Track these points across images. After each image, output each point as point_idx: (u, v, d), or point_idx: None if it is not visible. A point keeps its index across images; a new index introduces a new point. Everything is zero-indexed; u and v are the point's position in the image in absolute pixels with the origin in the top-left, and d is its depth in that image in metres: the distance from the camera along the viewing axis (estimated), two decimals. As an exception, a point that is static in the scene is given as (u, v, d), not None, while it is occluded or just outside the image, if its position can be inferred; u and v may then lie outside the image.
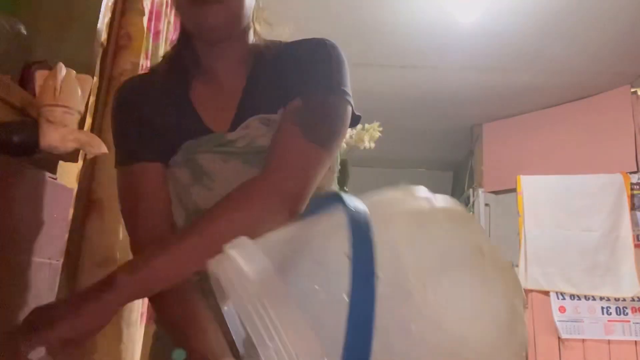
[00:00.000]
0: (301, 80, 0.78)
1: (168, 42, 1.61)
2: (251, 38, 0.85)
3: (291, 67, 0.80)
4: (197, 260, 0.63)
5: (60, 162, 1.13)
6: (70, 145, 0.89)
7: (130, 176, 0.82)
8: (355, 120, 0.83)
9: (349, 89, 0.79)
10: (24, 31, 1.04)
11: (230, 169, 0.77)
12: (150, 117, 0.83)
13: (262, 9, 0.86)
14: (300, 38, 0.85)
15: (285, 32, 0.88)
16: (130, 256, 0.79)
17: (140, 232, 0.79)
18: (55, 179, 1.08)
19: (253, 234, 0.52)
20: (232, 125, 0.80)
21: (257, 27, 0.85)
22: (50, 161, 1.09)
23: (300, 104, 0.75)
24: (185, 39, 0.85)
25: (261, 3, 0.86)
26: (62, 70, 0.87)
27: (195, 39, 0.83)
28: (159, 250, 0.67)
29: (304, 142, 0.72)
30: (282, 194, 0.69)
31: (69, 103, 0.86)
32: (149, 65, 1.46)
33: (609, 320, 2.98)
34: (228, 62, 0.83)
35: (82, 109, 0.90)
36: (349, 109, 0.79)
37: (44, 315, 0.63)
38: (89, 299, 0.62)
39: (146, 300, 1.50)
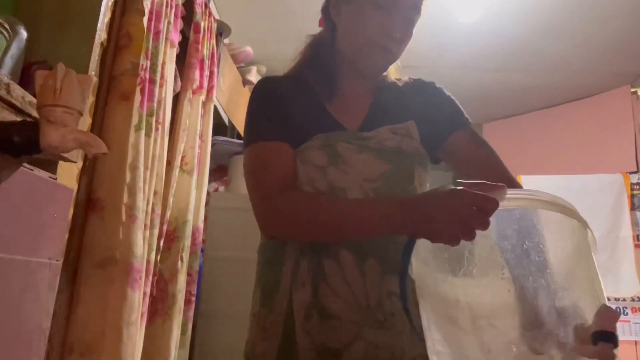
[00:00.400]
0: (451, 113, 1.04)
1: (168, 42, 1.61)
2: None
3: (417, 95, 1.04)
4: None
5: (60, 162, 1.13)
6: (70, 145, 0.89)
7: (268, 149, 0.93)
8: None
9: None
10: (24, 31, 1.04)
11: (363, 158, 0.91)
12: (290, 109, 0.96)
13: None
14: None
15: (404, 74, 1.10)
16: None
17: (271, 185, 0.89)
18: (55, 179, 1.08)
19: None
20: (361, 128, 0.96)
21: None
22: (50, 161, 1.10)
23: (469, 132, 1.02)
24: (333, 57, 1.00)
25: None
26: (63, 70, 0.87)
27: (345, 62, 1.00)
28: None
29: (494, 153, 1.02)
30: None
31: (70, 103, 0.86)
32: (149, 65, 1.46)
33: (609, 320, 2.98)
34: (363, 87, 1.02)
35: (83, 109, 0.90)
36: None
37: None
38: None
39: (146, 300, 1.50)
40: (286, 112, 0.95)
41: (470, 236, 0.65)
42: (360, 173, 0.90)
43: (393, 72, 1.07)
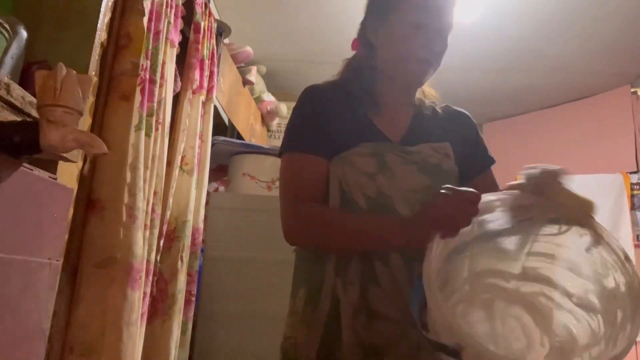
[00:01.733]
0: (480, 150, 1.15)
1: (168, 42, 1.61)
2: None
3: (451, 118, 1.13)
4: None
5: (60, 162, 1.13)
6: (70, 146, 0.89)
7: (303, 162, 1.00)
8: None
9: None
10: (24, 31, 1.04)
11: (408, 170, 0.98)
12: (334, 118, 1.02)
13: None
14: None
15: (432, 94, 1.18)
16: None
17: (297, 196, 0.97)
18: (55, 179, 1.07)
19: None
20: (402, 141, 1.03)
21: None
22: (50, 161, 1.09)
23: (491, 174, 1.14)
24: (373, 70, 1.07)
25: None
26: (63, 70, 0.87)
27: (385, 75, 1.07)
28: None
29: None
30: None
31: (69, 103, 0.86)
32: (149, 65, 1.46)
33: (609, 320, 2.98)
34: (402, 101, 1.09)
35: (83, 109, 0.90)
36: None
37: None
38: None
39: (146, 300, 1.50)
40: (329, 122, 1.01)
41: (466, 221, 0.79)
42: (406, 184, 0.97)
43: (430, 96, 1.16)
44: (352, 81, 1.07)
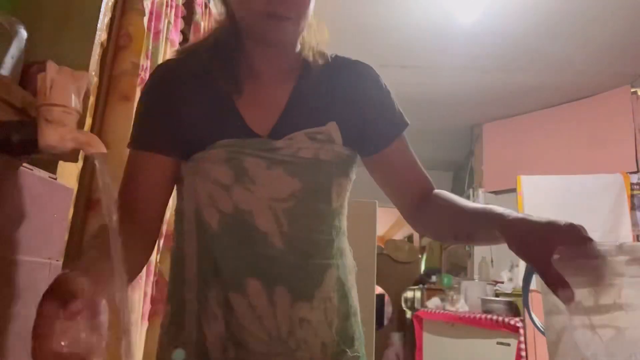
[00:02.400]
0: (384, 111, 0.89)
1: (168, 42, 1.61)
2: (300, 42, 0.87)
3: (345, 86, 0.87)
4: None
5: (60, 162, 1.13)
6: (68, 145, 0.88)
7: (135, 162, 0.84)
8: None
9: None
10: (24, 31, 1.04)
11: (273, 175, 0.79)
12: (182, 107, 0.83)
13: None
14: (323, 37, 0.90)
15: (324, 36, 0.91)
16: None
17: (123, 214, 0.73)
18: (55, 179, 1.07)
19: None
20: (273, 131, 0.82)
21: (306, 36, 0.88)
22: (50, 161, 1.09)
23: (404, 140, 0.90)
24: (235, 39, 0.85)
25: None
26: (52, 67, 0.86)
27: (252, 42, 0.84)
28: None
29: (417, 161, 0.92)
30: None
31: (63, 101, 0.86)
32: (149, 65, 1.46)
33: (609, 320, 2.98)
34: (279, 68, 0.86)
35: (80, 107, 0.90)
36: None
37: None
38: None
39: (147, 300, 1.50)
40: (176, 112, 0.82)
41: None
42: (270, 192, 0.79)
43: (320, 55, 0.88)
44: (210, 51, 0.85)
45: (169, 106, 0.83)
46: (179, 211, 0.86)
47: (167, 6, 1.57)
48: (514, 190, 3.40)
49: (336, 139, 0.83)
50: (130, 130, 0.87)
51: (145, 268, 1.43)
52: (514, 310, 3.17)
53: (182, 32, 1.79)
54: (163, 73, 0.88)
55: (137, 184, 0.83)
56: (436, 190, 0.89)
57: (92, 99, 1.31)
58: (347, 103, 0.86)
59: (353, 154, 0.87)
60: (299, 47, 0.87)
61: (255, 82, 0.85)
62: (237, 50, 0.85)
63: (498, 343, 3.09)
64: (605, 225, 3.08)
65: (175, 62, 0.89)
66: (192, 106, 0.83)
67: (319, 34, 0.89)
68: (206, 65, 0.84)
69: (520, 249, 0.61)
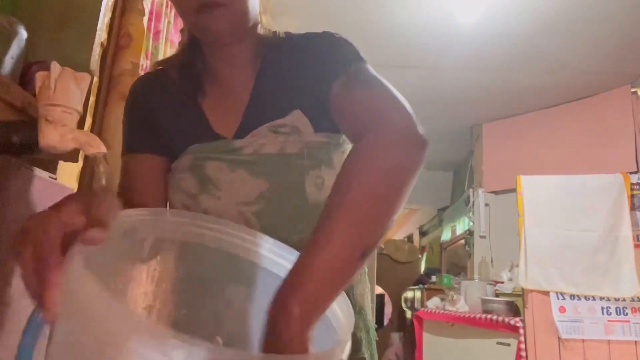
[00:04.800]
0: (326, 67, 0.75)
1: (168, 42, 1.61)
2: (258, 32, 0.83)
3: (304, 66, 0.78)
4: (358, 242, 0.54)
5: (60, 162, 1.13)
6: (69, 145, 0.89)
7: (130, 165, 0.84)
8: None
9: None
10: (24, 31, 1.04)
11: (237, 178, 0.76)
12: (159, 116, 0.83)
13: (267, 0, 0.85)
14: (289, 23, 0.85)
15: (292, 24, 0.86)
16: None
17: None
18: (55, 178, 1.07)
19: (402, 185, 0.58)
20: (239, 130, 0.79)
21: (264, 20, 0.83)
22: (50, 161, 1.09)
23: (345, 77, 0.72)
24: (193, 43, 0.84)
25: None
26: (56, 68, 0.87)
27: (202, 42, 0.82)
28: (310, 255, 0.53)
29: (378, 91, 0.69)
30: (406, 134, 0.62)
31: (66, 102, 0.86)
32: (149, 65, 1.46)
33: (609, 321, 2.98)
34: (236, 64, 0.82)
35: (81, 108, 0.90)
36: None
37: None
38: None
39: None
40: (156, 119, 0.83)
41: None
42: (235, 197, 0.75)
43: (266, 25, 0.84)
44: (178, 59, 0.86)
45: (148, 119, 0.83)
46: None
47: (167, 6, 1.57)
48: (514, 190, 3.39)
49: (303, 128, 0.77)
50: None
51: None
52: (514, 310, 3.17)
53: (182, 32, 1.79)
54: (138, 88, 0.88)
55: (134, 185, 0.83)
56: (357, 147, 0.63)
57: (92, 99, 1.31)
58: (308, 85, 0.76)
59: (332, 138, 0.78)
60: (255, 38, 0.82)
61: (217, 83, 0.83)
62: (197, 53, 0.84)
63: (498, 343, 3.09)
64: (605, 225, 3.08)
65: (149, 75, 0.90)
66: (165, 116, 0.83)
67: (281, 19, 0.84)
68: (176, 75, 0.84)
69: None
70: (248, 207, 0.75)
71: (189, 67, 0.84)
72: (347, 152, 0.69)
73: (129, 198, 0.81)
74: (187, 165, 0.79)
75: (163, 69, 0.87)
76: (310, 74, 0.77)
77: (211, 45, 0.81)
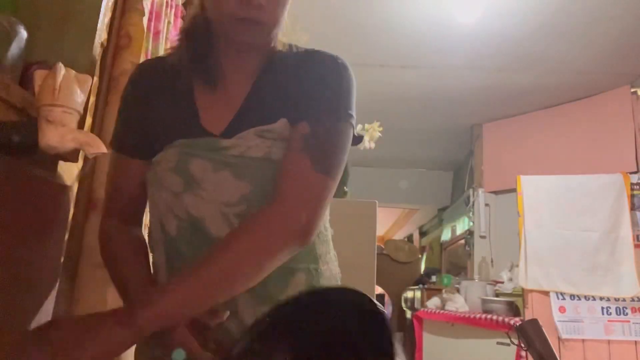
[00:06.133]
0: (310, 101, 0.79)
1: (168, 42, 1.61)
2: (273, 44, 0.85)
3: (298, 82, 0.81)
4: (213, 291, 0.67)
5: (60, 162, 1.13)
6: (69, 145, 0.89)
7: (113, 164, 0.89)
8: (356, 140, 0.85)
9: (354, 111, 0.81)
10: (24, 31, 1.04)
11: (220, 178, 0.77)
12: (152, 104, 0.84)
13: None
14: (298, 36, 0.88)
15: (302, 39, 0.89)
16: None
17: (106, 212, 0.88)
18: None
19: (266, 264, 0.70)
20: (227, 129, 0.80)
21: (280, 35, 0.86)
22: (50, 161, 1.09)
23: (308, 130, 0.77)
24: (208, 33, 0.84)
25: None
26: (61, 70, 0.87)
27: (220, 39, 0.83)
28: (175, 283, 0.66)
29: (313, 174, 0.74)
30: (294, 224, 0.71)
31: (68, 103, 0.86)
32: (149, 65, 1.46)
33: (609, 321, 2.98)
34: (242, 69, 0.84)
35: (82, 109, 0.90)
36: (352, 133, 0.82)
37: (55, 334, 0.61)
38: (103, 330, 0.60)
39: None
40: (148, 113, 0.84)
41: None
42: (218, 197, 0.77)
43: (286, 44, 0.86)
44: (182, 50, 0.85)
45: (139, 107, 0.85)
46: (150, 223, 0.88)
47: (167, 6, 1.57)
48: (514, 190, 3.39)
49: (288, 137, 0.79)
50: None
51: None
52: (514, 310, 3.17)
53: (184, 18, 1.79)
54: (136, 76, 0.90)
55: (119, 185, 0.88)
56: (261, 211, 0.72)
57: (92, 99, 1.31)
58: (294, 100, 0.80)
59: None
60: (267, 49, 0.85)
61: (219, 81, 0.84)
62: (209, 46, 0.84)
63: (498, 343, 3.09)
64: (605, 225, 3.08)
65: (150, 62, 0.94)
66: (158, 106, 0.84)
67: (293, 34, 0.88)
68: (176, 65, 0.84)
69: None
70: (230, 208, 0.77)
71: (203, 57, 0.83)
72: None
73: (112, 193, 0.88)
74: (172, 160, 0.79)
75: (166, 57, 0.88)
76: (299, 93, 0.80)
77: (232, 48, 0.83)
